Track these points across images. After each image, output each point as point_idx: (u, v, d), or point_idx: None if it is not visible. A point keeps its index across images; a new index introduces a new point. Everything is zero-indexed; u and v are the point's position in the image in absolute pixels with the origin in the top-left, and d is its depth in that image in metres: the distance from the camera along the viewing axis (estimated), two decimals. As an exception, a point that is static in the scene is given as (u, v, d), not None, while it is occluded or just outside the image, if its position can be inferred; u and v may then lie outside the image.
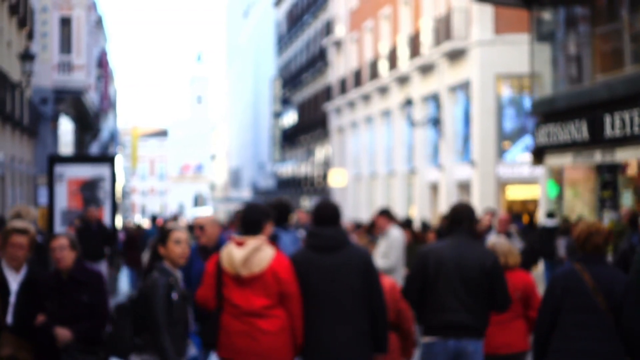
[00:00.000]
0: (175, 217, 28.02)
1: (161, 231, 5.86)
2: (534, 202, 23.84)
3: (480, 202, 24.86)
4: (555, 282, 5.40)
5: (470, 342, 5.84)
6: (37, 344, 5.95)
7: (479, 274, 5.84)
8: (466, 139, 26.90)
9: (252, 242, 5.62)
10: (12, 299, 6.11)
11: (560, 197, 19.94)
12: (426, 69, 29.46)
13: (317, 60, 47.41)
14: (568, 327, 5.27)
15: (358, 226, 15.79)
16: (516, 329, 6.63)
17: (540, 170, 21.28)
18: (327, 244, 5.66)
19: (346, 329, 5.55)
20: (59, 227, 15.43)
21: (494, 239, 6.94)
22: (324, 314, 5.57)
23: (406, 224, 14.68)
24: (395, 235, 11.01)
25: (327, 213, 5.75)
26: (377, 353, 5.69)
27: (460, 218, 6.03)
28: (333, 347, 5.55)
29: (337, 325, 5.55)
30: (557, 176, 20.10)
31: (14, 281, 6.17)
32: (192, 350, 5.91)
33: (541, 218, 20.85)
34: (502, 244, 6.76)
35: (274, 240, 6.16)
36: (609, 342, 5.20)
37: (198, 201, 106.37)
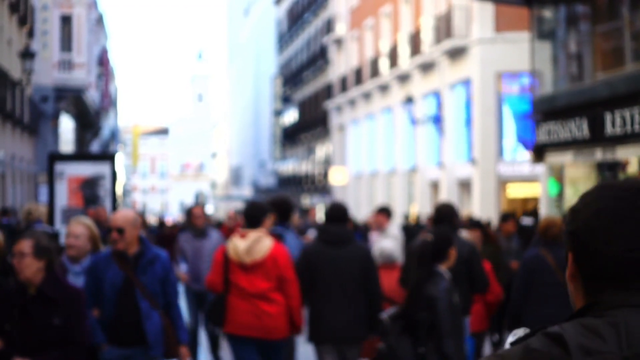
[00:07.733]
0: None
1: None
2: (535, 200, 23.81)
3: (481, 200, 24.85)
4: (526, 264, 6.76)
5: None
6: None
7: (459, 262, 6.58)
8: (467, 137, 26.88)
9: (253, 234, 6.52)
10: None
11: (560, 195, 19.91)
12: (427, 67, 29.44)
13: (318, 59, 47.38)
14: (536, 298, 6.61)
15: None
16: (476, 311, 7.63)
17: (540, 168, 21.26)
18: (335, 239, 6.77)
19: (348, 310, 6.63)
20: (59, 225, 15.46)
21: (464, 233, 7.85)
22: (330, 297, 6.65)
23: (475, 224, 13.43)
24: (394, 234, 11.03)
25: (337, 213, 6.92)
26: (372, 333, 6.67)
27: (444, 215, 7.01)
28: (337, 325, 6.62)
29: (340, 307, 6.63)
30: (558, 174, 20.06)
31: None
32: None
33: (542, 216, 20.81)
34: (466, 237, 7.65)
35: (279, 240, 7.01)
36: (567, 309, 6.04)
37: (199, 199, 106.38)
